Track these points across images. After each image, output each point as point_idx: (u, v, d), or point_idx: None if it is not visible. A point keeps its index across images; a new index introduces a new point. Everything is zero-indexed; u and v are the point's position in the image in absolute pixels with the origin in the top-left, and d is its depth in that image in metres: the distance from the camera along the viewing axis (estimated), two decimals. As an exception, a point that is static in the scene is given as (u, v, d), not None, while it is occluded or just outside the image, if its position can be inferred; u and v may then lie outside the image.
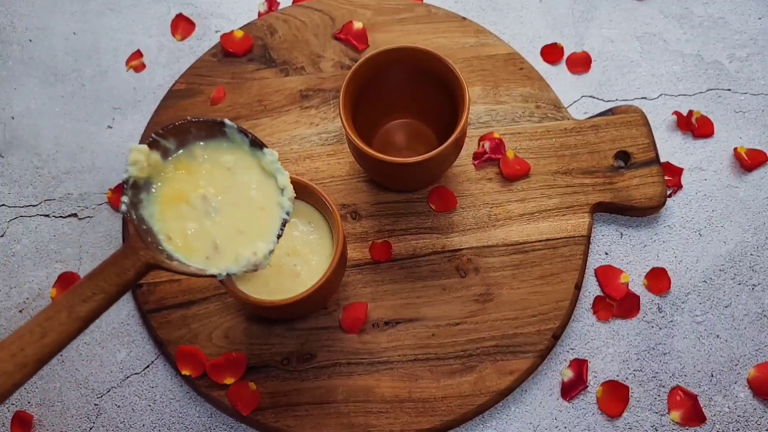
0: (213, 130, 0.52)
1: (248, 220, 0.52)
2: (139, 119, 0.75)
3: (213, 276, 0.49)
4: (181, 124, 0.51)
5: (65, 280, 0.67)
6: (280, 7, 0.81)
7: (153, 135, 0.50)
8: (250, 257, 0.50)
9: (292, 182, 0.56)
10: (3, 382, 0.41)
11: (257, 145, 0.52)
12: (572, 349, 0.63)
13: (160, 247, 0.49)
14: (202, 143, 0.52)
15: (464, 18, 0.77)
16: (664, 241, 0.67)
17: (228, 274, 0.49)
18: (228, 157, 0.52)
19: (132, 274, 0.46)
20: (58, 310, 0.44)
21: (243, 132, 0.52)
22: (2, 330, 0.66)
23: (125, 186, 0.49)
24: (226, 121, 0.51)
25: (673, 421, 0.60)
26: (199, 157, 0.52)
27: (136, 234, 0.47)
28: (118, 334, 0.65)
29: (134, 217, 0.48)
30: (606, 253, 0.67)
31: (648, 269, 0.66)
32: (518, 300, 0.63)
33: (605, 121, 0.70)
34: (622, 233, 0.68)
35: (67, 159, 0.73)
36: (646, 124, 0.70)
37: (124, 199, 0.48)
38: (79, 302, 0.44)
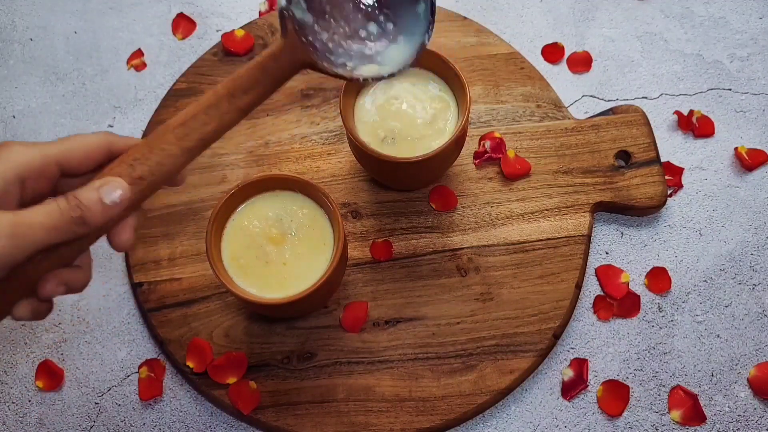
0: None
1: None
2: (140, 118, 0.75)
3: (358, 79, 0.49)
4: None
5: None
6: (281, 6, 0.81)
7: None
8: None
9: (292, 181, 0.55)
10: (169, 164, 0.42)
11: None
12: (572, 348, 0.63)
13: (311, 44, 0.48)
14: None
15: (465, 17, 0.77)
16: (664, 241, 0.67)
17: (371, 79, 0.49)
18: None
19: (288, 71, 0.47)
20: (219, 98, 0.44)
21: None
22: (2, 328, 0.66)
23: None
24: None
25: (673, 420, 0.60)
26: None
27: (294, 30, 0.47)
28: (118, 332, 0.65)
29: (293, 14, 0.47)
30: (606, 253, 0.67)
31: (648, 269, 0.66)
32: (519, 299, 0.63)
33: (606, 120, 0.70)
34: (622, 233, 0.68)
35: (67, 158, 0.73)
36: (647, 123, 0.70)
37: None
38: (239, 93, 0.45)
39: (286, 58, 0.47)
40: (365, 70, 0.50)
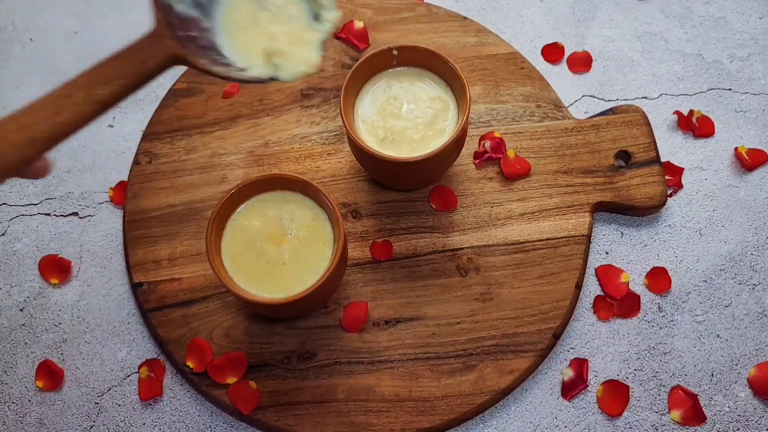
0: None
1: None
2: (140, 118, 0.75)
3: (244, 80, 0.45)
4: None
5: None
6: (281, 6, 0.81)
7: None
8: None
9: (292, 181, 0.55)
10: (11, 154, 0.40)
11: None
12: (572, 348, 0.63)
13: (202, 43, 0.45)
14: None
15: (465, 17, 0.77)
16: (664, 241, 0.67)
17: (263, 80, 0.46)
18: None
19: (154, 63, 0.43)
20: (75, 89, 0.42)
21: None
22: (3, 329, 0.66)
23: None
24: None
25: (673, 420, 0.60)
26: None
27: (164, 21, 0.44)
28: (118, 332, 0.65)
29: (171, 6, 0.44)
30: (606, 253, 0.67)
31: (648, 269, 0.66)
32: (519, 299, 0.63)
33: (606, 120, 0.70)
34: (622, 233, 0.68)
35: (68, 158, 0.74)
36: (647, 123, 0.70)
37: None
38: (97, 84, 0.42)
39: (152, 50, 0.43)
40: (249, 73, 0.47)
